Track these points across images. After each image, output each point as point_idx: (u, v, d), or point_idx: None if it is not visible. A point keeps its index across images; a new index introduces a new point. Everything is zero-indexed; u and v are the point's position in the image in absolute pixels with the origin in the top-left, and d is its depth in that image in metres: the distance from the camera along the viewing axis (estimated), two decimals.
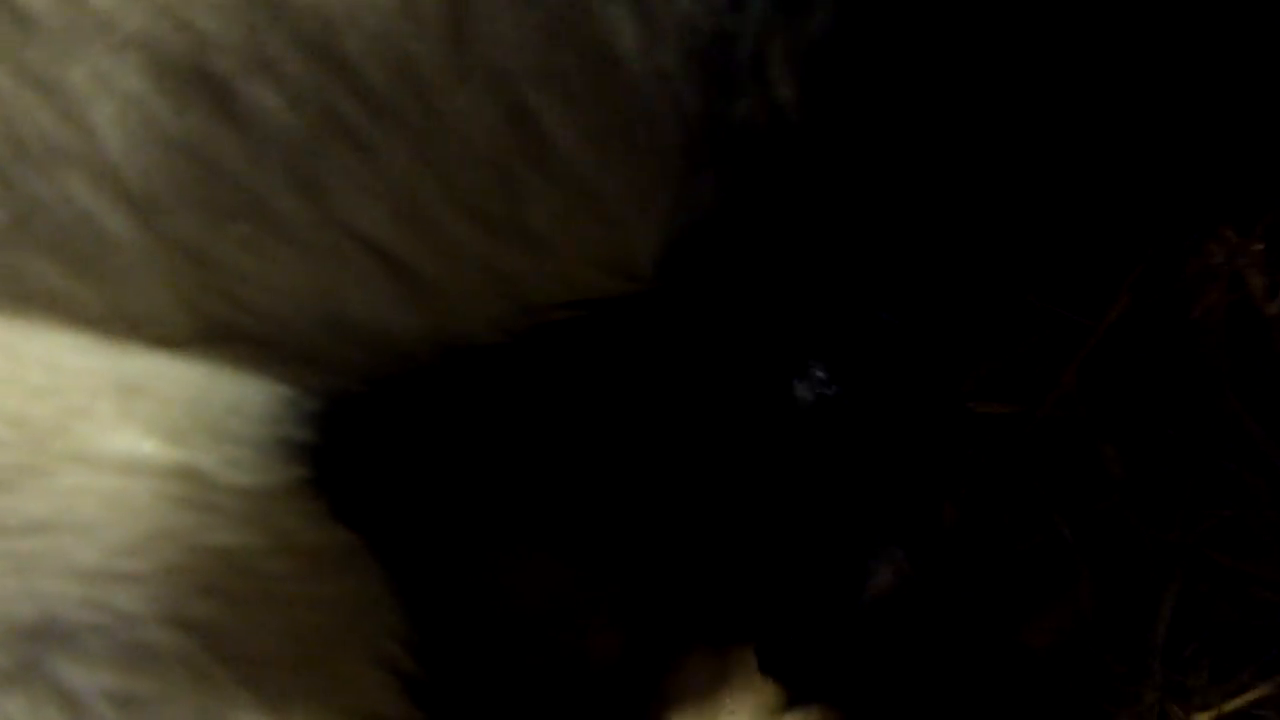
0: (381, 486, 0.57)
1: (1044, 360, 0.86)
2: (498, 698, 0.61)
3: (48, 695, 0.47)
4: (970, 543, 0.83)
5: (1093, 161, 0.70)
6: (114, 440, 0.49)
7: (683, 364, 0.70)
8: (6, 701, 0.47)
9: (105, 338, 0.51)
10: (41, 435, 0.49)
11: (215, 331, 0.52)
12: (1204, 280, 0.85)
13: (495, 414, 0.63)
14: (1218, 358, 0.84)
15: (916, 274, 0.73)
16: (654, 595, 0.69)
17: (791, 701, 0.70)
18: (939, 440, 0.77)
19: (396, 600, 0.53)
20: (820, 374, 0.70)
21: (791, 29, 0.58)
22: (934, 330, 0.75)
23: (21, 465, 0.49)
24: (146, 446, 0.49)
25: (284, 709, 0.49)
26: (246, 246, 0.49)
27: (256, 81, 0.48)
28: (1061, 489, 0.82)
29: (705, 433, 0.71)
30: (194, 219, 0.50)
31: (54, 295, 0.50)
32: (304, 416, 0.52)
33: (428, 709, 0.52)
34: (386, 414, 0.57)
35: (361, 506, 0.55)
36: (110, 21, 0.47)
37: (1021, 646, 0.82)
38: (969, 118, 0.66)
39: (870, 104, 0.64)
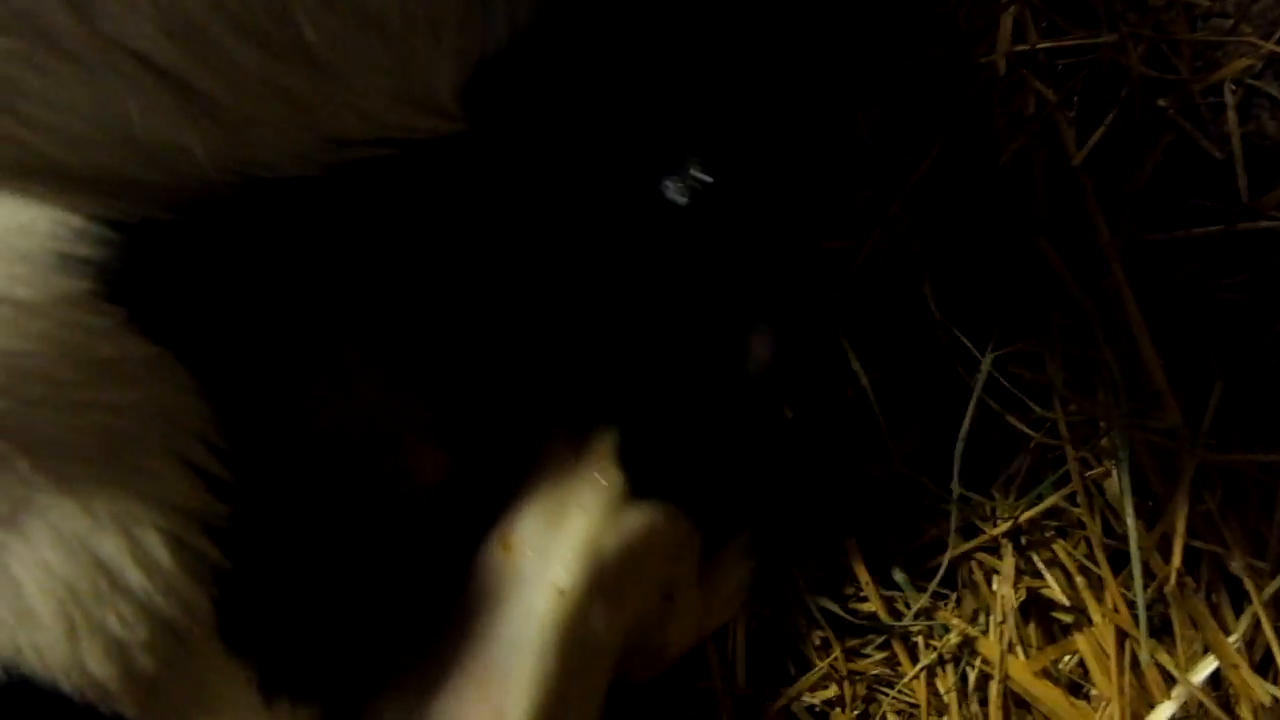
0: (195, 304, 0.59)
1: (880, 207, 0.90)
2: (321, 515, 0.64)
3: None
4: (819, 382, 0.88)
5: None
6: None
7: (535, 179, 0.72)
8: None
9: None
10: None
11: (5, 156, 0.54)
12: (1015, 129, 0.89)
13: (321, 237, 0.65)
14: (1031, 202, 0.88)
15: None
16: (481, 412, 0.72)
17: (637, 494, 0.73)
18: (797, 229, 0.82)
19: (204, 407, 0.56)
20: (695, 169, 0.73)
21: None
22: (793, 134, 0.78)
23: None
24: None
25: (85, 495, 0.53)
26: (22, 60, 0.51)
27: None
28: (888, 319, 0.87)
29: (569, 234, 0.74)
30: None
31: None
32: (94, 238, 0.54)
33: (232, 504, 0.56)
34: (198, 238, 0.59)
35: (173, 321, 0.58)
36: None
37: (864, 474, 0.87)
38: None
39: None
